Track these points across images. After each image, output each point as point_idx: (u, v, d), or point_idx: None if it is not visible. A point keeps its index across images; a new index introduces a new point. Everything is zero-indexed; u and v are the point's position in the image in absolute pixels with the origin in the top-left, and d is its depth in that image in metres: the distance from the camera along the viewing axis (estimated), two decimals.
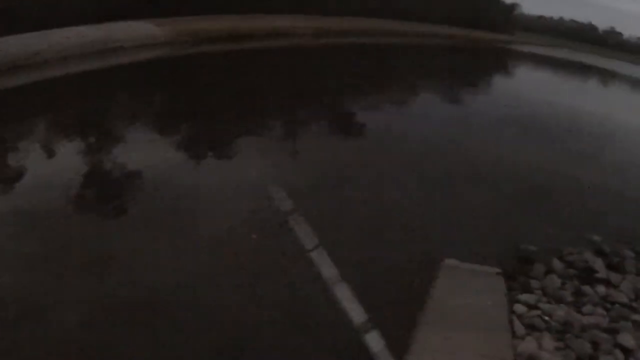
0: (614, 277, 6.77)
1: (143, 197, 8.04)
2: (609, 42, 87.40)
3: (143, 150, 9.90)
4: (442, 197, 9.54)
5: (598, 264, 6.93)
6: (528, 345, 5.16)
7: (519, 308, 5.89)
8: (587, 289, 6.43)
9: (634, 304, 6.23)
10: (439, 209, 8.95)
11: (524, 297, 6.15)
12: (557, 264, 6.96)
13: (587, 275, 6.75)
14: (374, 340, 1.54)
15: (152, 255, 6.24)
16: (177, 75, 18.94)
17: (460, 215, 8.72)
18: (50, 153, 9.75)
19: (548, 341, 5.27)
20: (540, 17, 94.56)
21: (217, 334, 4.80)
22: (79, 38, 18.01)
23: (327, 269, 5.95)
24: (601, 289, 6.46)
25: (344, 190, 9.04)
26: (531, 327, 5.54)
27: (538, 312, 5.84)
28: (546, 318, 5.71)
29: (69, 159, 9.26)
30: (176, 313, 5.19)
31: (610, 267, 7.04)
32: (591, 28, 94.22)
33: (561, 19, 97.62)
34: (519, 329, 5.47)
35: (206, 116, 13.64)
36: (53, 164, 9.18)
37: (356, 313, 4.42)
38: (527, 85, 29.36)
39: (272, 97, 16.89)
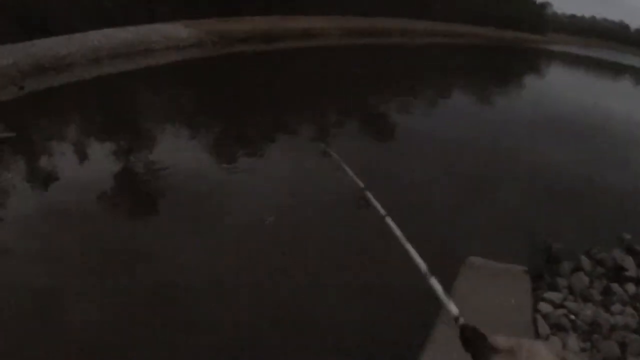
0: None
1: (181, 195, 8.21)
2: None
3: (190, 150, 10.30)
4: (473, 196, 9.39)
5: (628, 262, 6.65)
6: (552, 345, 4.97)
7: (544, 307, 5.66)
8: (616, 287, 6.14)
9: None
10: (470, 207, 8.80)
11: (549, 295, 5.91)
12: (585, 261, 6.71)
13: (616, 274, 6.49)
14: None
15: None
16: (207, 75, 19.08)
17: (488, 212, 8.56)
18: (80, 153, 9.87)
19: (573, 341, 5.07)
20: (573, 17, 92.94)
21: None
22: (108, 41, 18.31)
23: None
24: (631, 287, 6.18)
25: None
26: (556, 327, 5.33)
27: (564, 311, 5.61)
28: (572, 317, 5.49)
29: (99, 160, 9.37)
30: None
31: None
32: (623, 27, 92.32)
33: (593, 18, 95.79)
34: (543, 328, 5.26)
35: (244, 115, 13.83)
36: (84, 165, 9.30)
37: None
38: (559, 85, 28.79)
39: (303, 98, 16.95)
